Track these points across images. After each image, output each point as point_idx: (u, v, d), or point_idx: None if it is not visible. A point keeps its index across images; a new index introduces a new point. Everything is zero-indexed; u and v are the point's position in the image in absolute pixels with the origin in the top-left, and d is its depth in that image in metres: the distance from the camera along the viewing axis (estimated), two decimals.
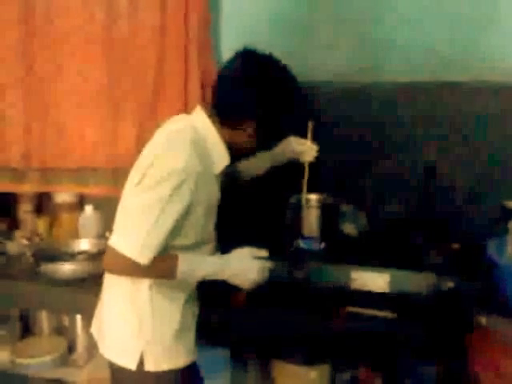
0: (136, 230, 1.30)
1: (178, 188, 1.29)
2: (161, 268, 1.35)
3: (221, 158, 1.43)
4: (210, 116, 1.42)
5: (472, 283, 1.68)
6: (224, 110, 1.41)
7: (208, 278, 1.41)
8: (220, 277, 1.41)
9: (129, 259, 1.29)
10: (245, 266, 1.42)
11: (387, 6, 2.05)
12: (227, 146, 1.43)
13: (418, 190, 2.05)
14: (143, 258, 1.30)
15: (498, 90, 1.96)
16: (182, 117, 1.49)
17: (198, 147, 1.36)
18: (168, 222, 1.31)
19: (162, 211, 1.29)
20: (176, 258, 1.35)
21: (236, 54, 1.42)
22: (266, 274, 1.45)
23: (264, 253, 1.47)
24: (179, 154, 1.32)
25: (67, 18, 2.18)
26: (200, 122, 1.42)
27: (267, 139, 1.51)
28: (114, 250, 1.31)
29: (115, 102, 2.18)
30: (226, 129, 1.41)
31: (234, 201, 1.91)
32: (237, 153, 1.47)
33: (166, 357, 1.42)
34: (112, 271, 1.38)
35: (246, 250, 1.46)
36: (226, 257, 1.44)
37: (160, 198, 1.29)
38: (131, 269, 1.32)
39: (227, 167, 1.51)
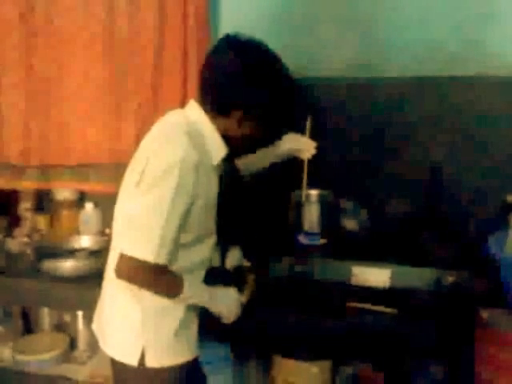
0: (149, 233, 1.29)
1: (180, 181, 1.28)
2: (169, 280, 1.38)
3: (217, 149, 1.42)
4: (203, 108, 1.41)
5: (474, 278, 1.68)
6: (211, 99, 1.40)
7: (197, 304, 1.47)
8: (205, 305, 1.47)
9: (146, 263, 1.29)
10: (228, 308, 1.51)
11: (392, 3, 2.04)
12: (224, 139, 1.42)
13: (422, 186, 2.05)
14: (160, 258, 1.30)
15: (505, 84, 1.95)
16: (177, 111, 1.49)
17: (194, 139, 1.35)
18: (178, 217, 1.30)
19: (171, 207, 1.28)
20: (182, 281, 1.38)
21: (220, 40, 1.41)
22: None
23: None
24: (176, 146, 1.31)
25: (68, 18, 2.18)
26: (194, 114, 1.42)
27: (265, 135, 1.50)
28: (127, 256, 1.30)
29: (116, 101, 2.19)
30: (218, 119, 1.40)
31: (235, 197, 1.91)
32: (234, 144, 1.45)
33: (168, 353, 1.41)
34: (128, 279, 1.35)
35: (233, 293, 1.54)
36: (215, 292, 1.48)
37: (165, 194, 1.28)
38: (147, 274, 1.32)
39: (226, 165, 1.50)
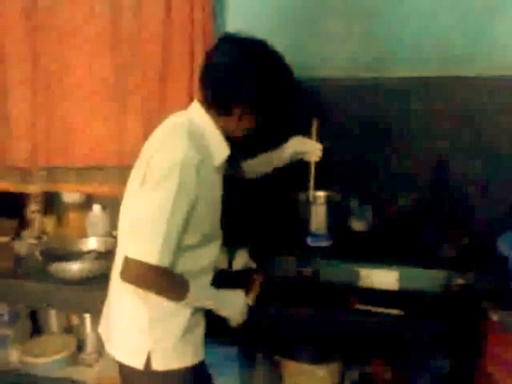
0: (152, 235, 1.29)
1: (181, 181, 1.28)
2: (174, 283, 1.38)
3: (220, 150, 1.42)
4: (205, 108, 1.41)
5: (483, 278, 1.67)
6: (211, 96, 1.40)
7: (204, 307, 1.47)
8: (211, 308, 1.47)
9: (150, 265, 1.29)
10: (235, 311, 1.50)
11: (396, 1, 2.03)
12: (226, 138, 1.42)
13: (428, 185, 2.03)
14: (164, 259, 1.29)
15: (510, 82, 1.93)
16: (181, 112, 1.49)
17: (196, 139, 1.35)
18: (180, 218, 1.30)
19: (173, 208, 1.28)
20: (188, 284, 1.38)
21: (218, 39, 1.43)
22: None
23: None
24: (176, 147, 1.31)
25: (72, 13, 2.17)
26: (196, 114, 1.42)
27: (266, 128, 1.48)
28: (131, 259, 1.30)
29: (122, 98, 2.17)
30: (219, 118, 1.40)
31: (242, 199, 1.91)
32: (237, 141, 1.45)
33: (174, 356, 1.41)
34: (133, 282, 1.34)
35: (239, 296, 1.52)
36: (222, 295, 1.48)
37: (167, 195, 1.28)
38: (152, 276, 1.31)
39: (231, 168, 1.50)
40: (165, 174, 1.29)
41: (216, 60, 1.39)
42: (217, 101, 1.39)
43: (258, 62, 1.37)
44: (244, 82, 1.36)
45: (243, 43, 1.39)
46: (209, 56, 1.42)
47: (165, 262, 1.30)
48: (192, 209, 1.33)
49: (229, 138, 1.43)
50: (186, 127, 1.37)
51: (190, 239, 1.37)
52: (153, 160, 1.33)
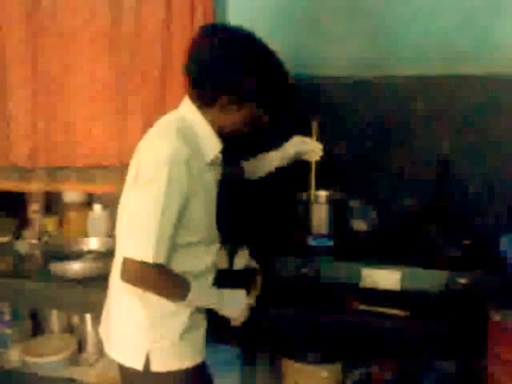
0: (146, 233, 1.29)
1: (171, 177, 1.28)
2: (174, 283, 1.37)
3: (211, 145, 1.41)
4: (195, 104, 1.41)
5: (485, 279, 1.66)
6: (198, 89, 1.39)
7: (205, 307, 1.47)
8: (213, 307, 1.47)
9: (147, 264, 1.28)
10: (236, 310, 1.50)
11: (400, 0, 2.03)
12: (219, 133, 1.42)
13: (430, 185, 2.03)
14: (159, 257, 1.29)
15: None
16: (174, 111, 1.48)
17: (186, 135, 1.35)
18: (173, 214, 1.30)
19: (165, 204, 1.28)
20: (188, 283, 1.37)
21: (204, 29, 1.42)
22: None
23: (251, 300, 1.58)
24: (165, 143, 1.31)
25: (72, 15, 2.17)
26: (187, 111, 1.42)
27: (265, 129, 1.48)
28: (129, 259, 1.30)
29: (122, 98, 2.17)
30: (209, 111, 1.39)
31: (243, 199, 1.90)
32: (231, 135, 1.44)
33: (174, 357, 1.40)
34: (132, 282, 1.34)
35: (241, 295, 1.51)
36: (223, 294, 1.48)
37: (158, 192, 1.27)
38: (150, 275, 1.32)
39: (231, 167, 1.49)
40: (155, 171, 1.29)
41: (198, 49, 1.38)
42: (202, 91, 1.38)
43: (242, 48, 1.35)
44: (228, 68, 1.34)
45: (226, 31, 1.38)
46: (194, 48, 1.40)
47: (160, 259, 1.29)
48: (185, 207, 1.32)
49: (223, 135, 1.43)
50: (175, 124, 1.37)
51: (187, 237, 1.37)
52: (143, 158, 1.34)
